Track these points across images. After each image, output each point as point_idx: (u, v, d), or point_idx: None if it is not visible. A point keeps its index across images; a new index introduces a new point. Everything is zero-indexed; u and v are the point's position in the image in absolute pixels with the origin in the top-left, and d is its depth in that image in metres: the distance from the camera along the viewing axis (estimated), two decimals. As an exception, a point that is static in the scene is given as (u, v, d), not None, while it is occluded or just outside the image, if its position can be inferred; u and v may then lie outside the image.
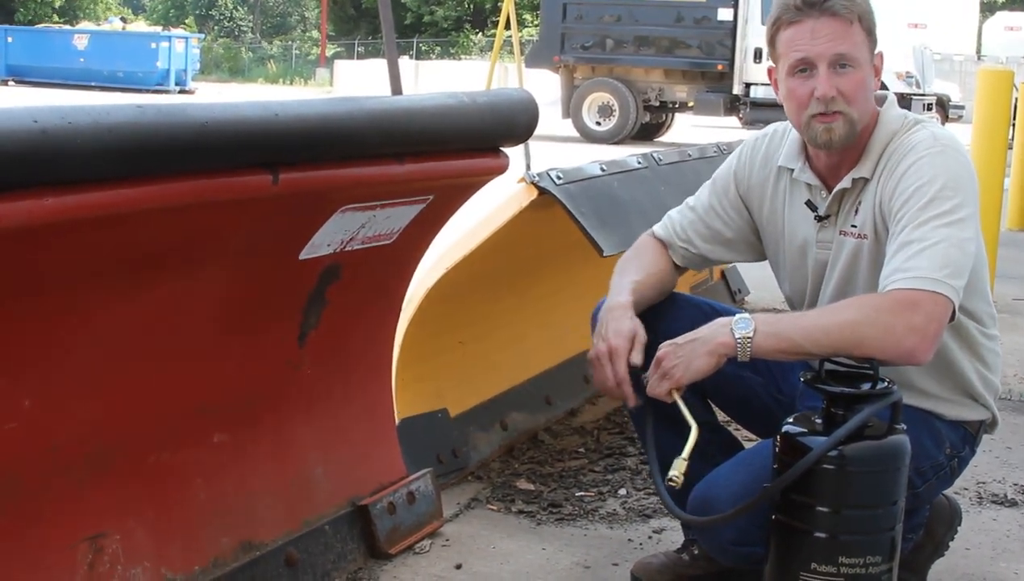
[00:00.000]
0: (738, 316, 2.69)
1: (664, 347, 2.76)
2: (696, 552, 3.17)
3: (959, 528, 3.26)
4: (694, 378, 2.72)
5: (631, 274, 3.04)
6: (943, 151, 2.76)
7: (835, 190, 2.89)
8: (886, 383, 2.59)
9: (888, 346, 2.59)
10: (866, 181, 2.85)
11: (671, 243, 3.14)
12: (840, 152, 2.85)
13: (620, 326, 2.85)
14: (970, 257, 2.70)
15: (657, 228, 3.19)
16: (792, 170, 2.98)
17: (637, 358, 2.81)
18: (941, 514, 3.18)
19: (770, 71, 2.91)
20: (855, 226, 2.87)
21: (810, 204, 2.95)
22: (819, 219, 2.94)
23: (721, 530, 2.82)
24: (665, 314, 3.03)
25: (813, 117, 2.79)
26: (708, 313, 3.02)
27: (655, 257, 3.13)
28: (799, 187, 2.98)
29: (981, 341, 2.94)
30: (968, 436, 2.99)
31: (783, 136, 3.06)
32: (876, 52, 2.83)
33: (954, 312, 2.64)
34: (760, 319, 2.68)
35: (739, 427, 3.47)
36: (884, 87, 3.11)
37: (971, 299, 2.80)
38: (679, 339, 2.75)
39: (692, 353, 2.70)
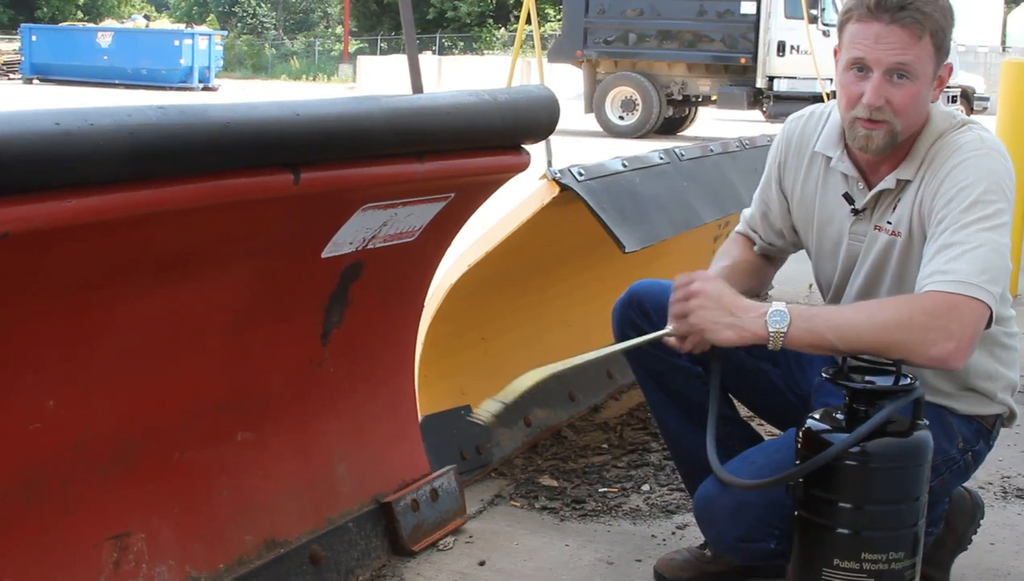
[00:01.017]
0: (774, 307, 2.66)
1: (702, 288, 2.71)
2: (721, 551, 3.17)
3: (982, 522, 3.25)
4: (711, 345, 2.72)
5: (720, 262, 3.15)
6: (988, 154, 2.74)
7: (876, 189, 2.87)
8: (908, 379, 2.59)
9: (922, 350, 2.57)
10: (908, 182, 2.84)
11: (749, 236, 3.24)
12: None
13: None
14: (1007, 262, 2.69)
15: (738, 225, 3.28)
16: (830, 158, 2.97)
17: None
18: (962, 508, 3.17)
19: (835, 51, 2.86)
20: (890, 223, 2.86)
21: (847, 196, 2.94)
22: (855, 212, 2.93)
23: (727, 528, 2.83)
24: None
25: (858, 119, 2.78)
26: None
27: (740, 248, 3.22)
28: (835, 176, 2.97)
29: (1001, 341, 2.93)
30: (983, 430, 2.98)
31: (820, 118, 3.04)
32: (944, 63, 2.77)
33: (991, 318, 2.63)
34: (795, 313, 2.65)
35: (762, 422, 3.47)
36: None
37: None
38: (719, 295, 2.70)
39: (721, 323, 2.67)
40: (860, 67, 2.74)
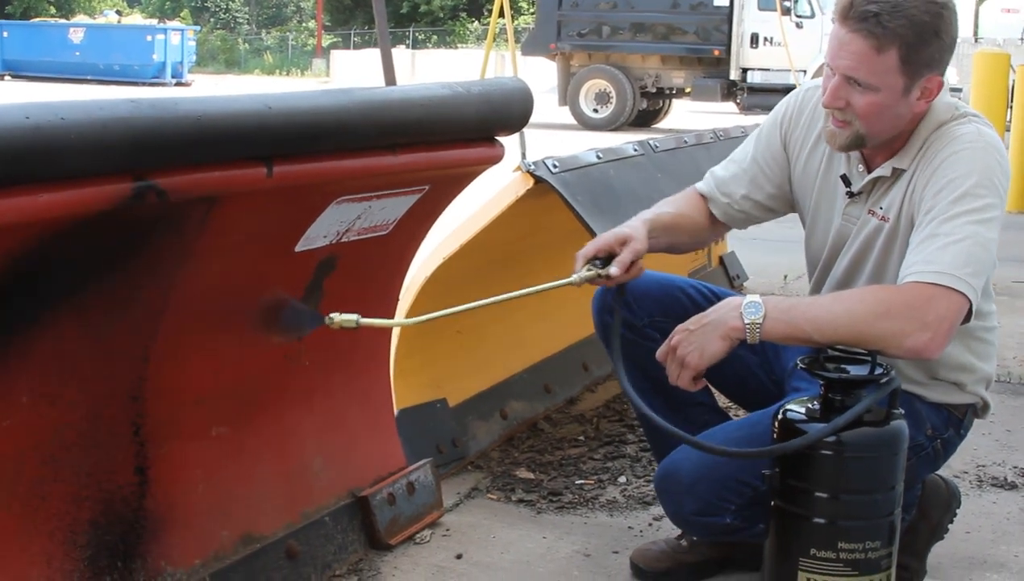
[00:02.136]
0: (748, 299, 2.68)
1: (677, 334, 2.76)
2: (695, 539, 3.17)
3: (958, 511, 3.26)
4: (710, 363, 2.71)
5: (660, 207, 3.12)
6: (984, 147, 2.73)
7: (872, 176, 2.88)
8: (883, 368, 2.59)
9: (898, 342, 2.58)
10: (903, 170, 2.83)
11: (712, 197, 3.18)
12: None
13: (615, 230, 2.92)
14: (992, 257, 2.69)
15: (700, 183, 3.22)
16: None
17: (613, 269, 2.86)
18: (938, 497, 3.18)
19: None
20: (882, 208, 2.87)
21: (845, 178, 2.94)
22: (850, 195, 2.93)
23: (684, 502, 2.87)
24: (663, 300, 3.06)
25: (829, 114, 2.80)
26: (708, 297, 3.04)
27: (689, 203, 3.18)
28: (840, 154, 2.97)
29: (978, 335, 2.94)
30: (953, 419, 2.99)
31: None
32: (929, 76, 2.71)
33: (970, 311, 2.62)
34: (771, 304, 2.66)
35: (738, 410, 3.48)
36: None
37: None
38: (691, 324, 2.75)
39: (705, 338, 2.70)
40: (830, 66, 2.75)
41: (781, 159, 3.12)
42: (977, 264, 2.62)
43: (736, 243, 6.90)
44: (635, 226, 2.94)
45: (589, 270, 2.91)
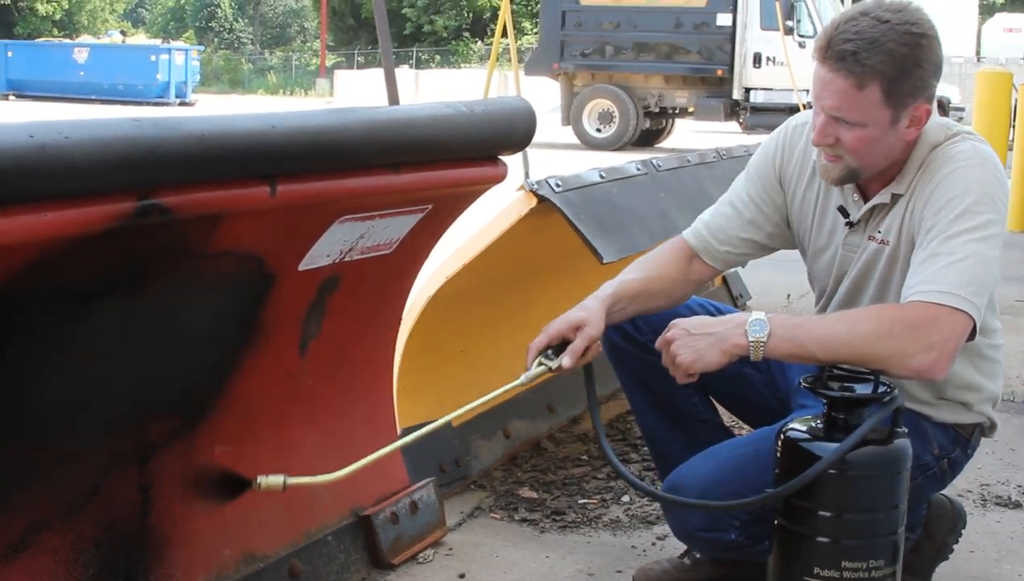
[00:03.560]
0: (754, 317, 2.67)
1: (675, 329, 2.73)
2: (698, 557, 3.17)
3: (963, 531, 3.25)
4: (702, 371, 2.71)
5: (627, 273, 3.02)
6: (982, 164, 2.73)
7: (870, 204, 2.87)
8: (887, 387, 2.59)
9: (901, 362, 2.57)
10: (901, 195, 2.83)
11: (706, 247, 3.07)
12: None
13: (570, 314, 2.84)
14: (994, 276, 2.68)
15: (688, 235, 3.11)
16: None
17: (565, 361, 2.79)
18: (943, 516, 3.17)
19: None
20: (880, 232, 2.86)
21: (843, 210, 2.93)
22: (849, 225, 2.93)
23: (689, 516, 2.86)
24: (668, 317, 3.05)
25: (821, 150, 2.79)
26: (714, 314, 3.03)
27: (663, 262, 3.07)
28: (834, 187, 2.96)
29: (984, 353, 2.93)
30: (960, 439, 2.97)
31: None
32: (916, 104, 2.69)
33: (974, 330, 2.62)
34: (776, 322, 2.65)
35: (742, 427, 3.47)
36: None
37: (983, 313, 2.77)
38: (691, 326, 2.72)
39: (705, 348, 2.68)
40: (816, 104, 2.75)
41: (778, 197, 3.06)
42: (979, 283, 2.62)
43: (739, 262, 6.89)
44: (591, 307, 2.85)
45: (539, 365, 2.81)
